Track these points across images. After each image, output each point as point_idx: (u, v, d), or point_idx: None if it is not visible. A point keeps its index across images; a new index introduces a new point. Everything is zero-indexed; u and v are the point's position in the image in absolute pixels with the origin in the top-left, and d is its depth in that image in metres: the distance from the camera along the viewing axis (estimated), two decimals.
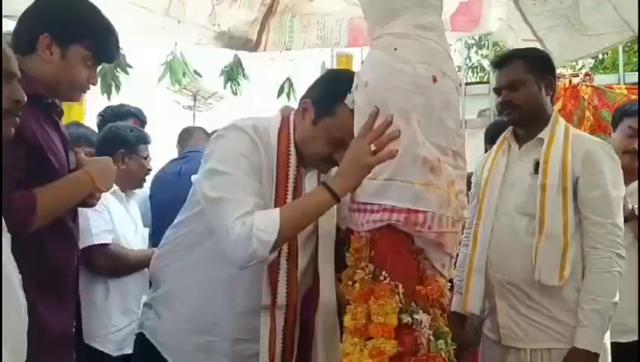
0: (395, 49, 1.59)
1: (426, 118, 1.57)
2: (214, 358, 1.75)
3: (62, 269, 1.78)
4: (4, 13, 2.33)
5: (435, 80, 1.58)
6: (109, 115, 3.17)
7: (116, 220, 2.54)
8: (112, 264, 2.46)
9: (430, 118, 1.57)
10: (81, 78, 1.77)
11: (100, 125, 3.15)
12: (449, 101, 1.62)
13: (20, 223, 1.59)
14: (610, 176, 2.07)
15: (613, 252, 2.01)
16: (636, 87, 4.35)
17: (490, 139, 3.02)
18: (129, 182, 2.71)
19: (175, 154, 3.63)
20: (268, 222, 1.53)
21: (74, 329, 1.85)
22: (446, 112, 1.60)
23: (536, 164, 2.11)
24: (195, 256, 1.77)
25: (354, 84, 1.66)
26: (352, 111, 1.65)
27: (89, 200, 1.84)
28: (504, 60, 2.26)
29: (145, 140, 2.80)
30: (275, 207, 1.64)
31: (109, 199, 2.53)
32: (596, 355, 1.97)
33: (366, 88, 1.61)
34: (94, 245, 2.41)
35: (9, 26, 2.10)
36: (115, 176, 1.96)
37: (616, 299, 2.01)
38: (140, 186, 2.86)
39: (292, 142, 1.74)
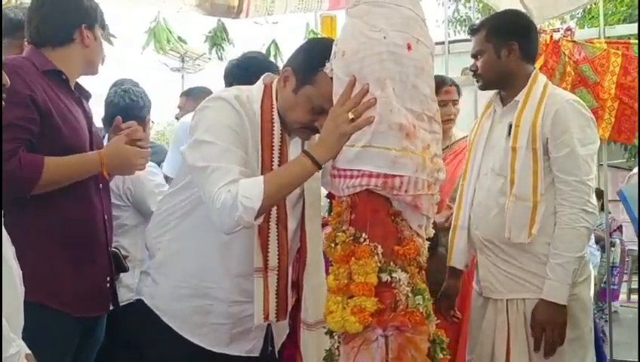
0: (369, 18, 1.63)
1: (401, 85, 1.62)
2: (212, 320, 1.82)
3: (80, 233, 1.92)
4: None
5: (409, 47, 1.62)
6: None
7: None
8: None
9: (405, 84, 1.62)
10: (103, 51, 2.11)
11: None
12: (423, 67, 1.66)
13: (24, 184, 1.75)
14: (578, 133, 2.12)
15: (579, 208, 2.09)
16: (616, 41, 4.38)
17: None
18: None
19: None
20: (252, 190, 1.59)
21: (108, 285, 2.04)
22: (421, 79, 1.65)
23: (510, 127, 2.18)
24: (188, 224, 1.83)
25: (332, 53, 1.71)
26: (332, 79, 1.69)
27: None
28: (474, 29, 2.35)
29: None
30: (262, 174, 1.70)
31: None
32: (563, 306, 2.07)
33: (343, 57, 1.65)
34: None
35: None
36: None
37: (582, 253, 2.11)
38: None
39: (275, 109, 1.79)
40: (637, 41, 4.32)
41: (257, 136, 1.76)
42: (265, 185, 1.60)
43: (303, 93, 1.76)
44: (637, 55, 4.11)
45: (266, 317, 1.77)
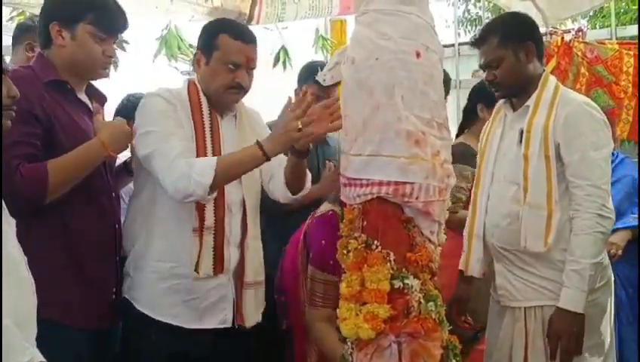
0: (378, 25, 1.64)
1: (410, 93, 1.63)
2: (182, 297, 1.95)
3: (91, 245, 1.90)
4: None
5: (418, 55, 1.64)
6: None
7: None
8: None
9: (414, 92, 1.63)
10: (95, 52, 1.89)
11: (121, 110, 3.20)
12: (432, 74, 1.67)
13: (33, 194, 1.71)
14: (590, 137, 2.06)
15: (594, 213, 2.01)
16: (628, 42, 4.34)
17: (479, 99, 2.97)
18: None
19: None
20: (205, 167, 1.81)
21: (114, 296, 2.00)
22: (430, 86, 1.66)
23: (521, 134, 2.12)
24: (152, 218, 1.98)
25: (334, 60, 1.75)
26: (232, 36, 1.97)
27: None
28: (480, 40, 2.24)
29: None
30: (197, 152, 1.92)
31: None
32: (579, 315, 2.00)
33: (353, 64, 1.66)
34: None
35: None
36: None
37: (598, 259, 2.03)
38: None
39: (200, 91, 2.01)
40: None
41: (189, 118, 1.97)
42: (217, 164, 1.82)
43: (214, 60, 1.99)
44: None
45: (197, 270, 1.91)
